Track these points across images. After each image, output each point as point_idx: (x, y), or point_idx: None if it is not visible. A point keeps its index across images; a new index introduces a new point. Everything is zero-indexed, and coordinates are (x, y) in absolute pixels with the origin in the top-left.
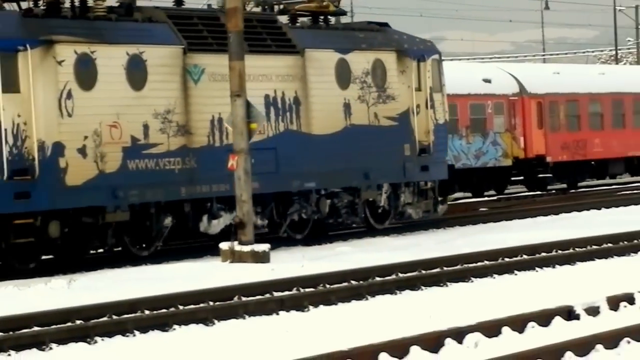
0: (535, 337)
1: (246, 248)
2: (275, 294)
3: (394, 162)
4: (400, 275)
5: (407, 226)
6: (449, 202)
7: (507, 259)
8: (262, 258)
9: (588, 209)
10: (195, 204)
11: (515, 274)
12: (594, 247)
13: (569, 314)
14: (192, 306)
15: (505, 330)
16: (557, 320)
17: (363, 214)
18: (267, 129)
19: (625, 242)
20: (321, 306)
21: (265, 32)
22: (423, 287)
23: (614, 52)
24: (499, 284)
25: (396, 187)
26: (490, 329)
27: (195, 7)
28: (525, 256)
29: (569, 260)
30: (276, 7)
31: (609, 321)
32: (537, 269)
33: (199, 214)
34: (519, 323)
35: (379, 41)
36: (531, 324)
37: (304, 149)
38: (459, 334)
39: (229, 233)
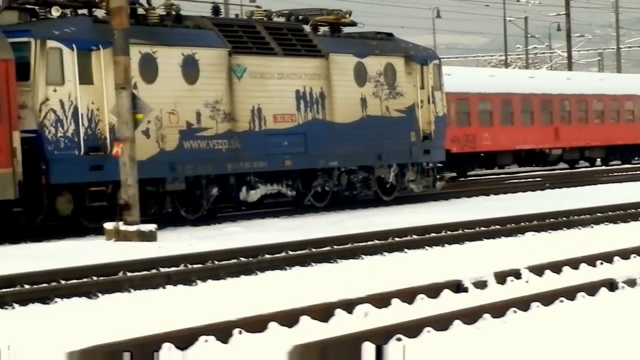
0: (425, 307)
1: (132, 228)
2: (162, 270)
3: (401, 146)
4: (290, 253)
5: (297, 209)
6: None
7: (397, 239)
8: (149, 237)
9: (477, 195)
10: (237, 177)
11: (406, 252)
12: (482, 228)
13: (457, 287)
14: (74, 281)
15: (395, 301)
16: (446, 292)
17: (375, 188)
18: (298, 118)
19: (512, 225)
20: (209, 281)
21: (295, 38)
22: (313, 264)
23: (503, 57)
24: (389, 260)
25: (402, 167)
26: (380, 300)
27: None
28: (415, 236)
29: (458, 240)
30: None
31: (496, 293)
32: (426, 247)
33: (240, 185)
34: (408, 295)
35: (390, 48)
36: (420, 295)
37: (328, 134)
38: (348, 305)
39: (261, 200)
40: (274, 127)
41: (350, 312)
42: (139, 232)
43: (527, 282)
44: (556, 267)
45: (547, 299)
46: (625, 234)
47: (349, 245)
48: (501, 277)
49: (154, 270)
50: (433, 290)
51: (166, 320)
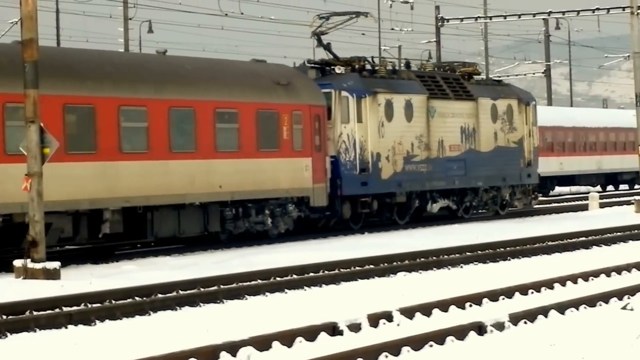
0: (303, 351)
1: (38, 265)
2: (65, 308)
3: (515, 170)
4: (181, 292)
5: (188, 247)
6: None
7: (278, 278)
8: (53, 275)
9: (354, 234)
10: (429, 193)
11: (286, 292)
12: (357, 268)
13: (333, 329)
14: None
15: (275, 344)
16: (323, 335)
17: (498, 204)
18: (461, 147)
19: (385, 264)
20: (107, 321)
21: (458, 86)
22: (201, 304)
23: None
24: (271, 301)
25: (514, 187)
26: (262, 343)
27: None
28: (295, 276)
29: (335, 280)
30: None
31: (369, 337)
32: (305, 287)
33: (428, 199)
34: (287, 338)
35: (507, 92)
36: (299, 338)
37: (477, 161)
38: (232, 348)
39: (445, 211)
40: (449, 155)
41: (234, 354)
42: (45, 269)
43: (398, 325)
44: (426, 309)
45: (417, 343)
46: (494, 274)
47: (234, 285)
48: (374, 320)
49: (57, 310)
50: (310, 333)
51: None
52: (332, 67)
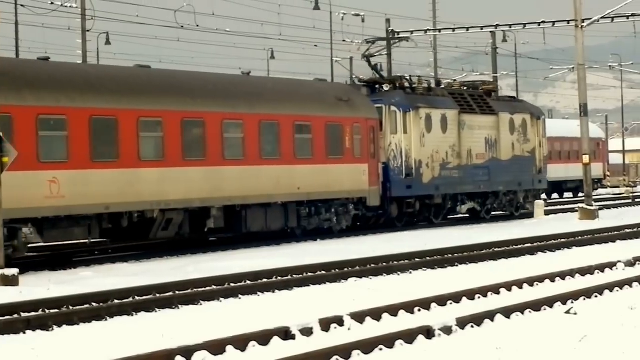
0: (256, 355)
1: None
2: (23, 314)
3: (529, 177)
4: (137, 298)
5: (145, 254)
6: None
7: (232, 284)
8: (12, 281)
9: (306, 240)
10: (459, 196)
11: (240, 298)
12: (310, 274)
13: (286, 334)
14: None
15: (229, 348)
16: (276, 339)
17: (514, 206)
18: (486, 156)
19: (337, 270)
20: (65, 326)
21: (482, 102)
22: (157, 309)
23: None
24: (225, 306)
25: (527, 191)
26: (216, 347)
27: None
28: (248, 282)
29: (287, 285)
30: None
31: (321, 340)
32: (259, 293)
33: (458, 201)
34: (241, 342)
35: (521, 107)
36: (252, 343)
37: (498, 168)
38: (187, 352)
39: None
40: (476, 162)
41: (189, 358)
42: (3, 276)
43: (349, 329)
44: (376, 313)
45: (367, 346)
46: (442, 280)
47: (189, 291)
48: (326, 324)
49: (15, 315)
50: (264, 337)
51: None
52: (379, 85)
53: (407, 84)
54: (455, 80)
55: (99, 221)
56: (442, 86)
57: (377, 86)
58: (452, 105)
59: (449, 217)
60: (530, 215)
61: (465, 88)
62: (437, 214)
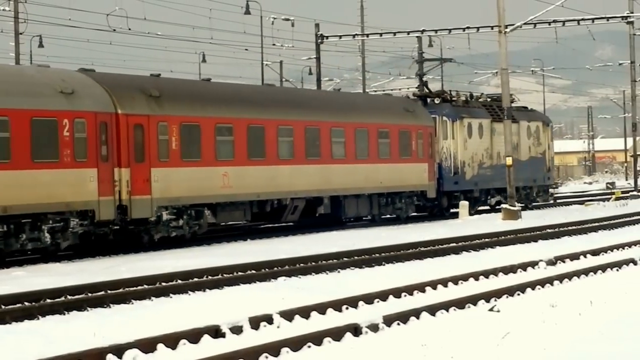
0: (187, 353)
1: None
2: None
3: (541, 174)
4: (69, 297)
5: (77, 253)
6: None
7: (164, 284)
8: None
9: (236, 240)
10: (491, 190)
11: (171, 297)
12: (240, 273)
13: (216, 332)
14: None
15: (160, 346)
16: (206, 337)
17: (529, 199)
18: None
19: (267, 269)
20: None
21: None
22: (89, 308)
23: None
24: (156, 305)
25: (539, 187)
26: (147, 345)
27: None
28: (179, 281)
29: (218, 284)
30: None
31: (250, 338)
32: (189, 292)
33: (489, 194)
34: (172, 340)
35: (534, 116)
36: (183, 341)
37: (519, 167)
38: (119, 350)
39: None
40: (502, 162)
41: (120, 356)
42: None
43: (278, 327)
44: (305, 312)
45: (296, 344)
46: (370, 279)
47: (121, 290)
48: (255, 322)
49: None
50: (194, 335)
51: None
52: (430, 98)
53: (448, 97)
54: (482, 93)
55: (251, 207)
56: (475, 99)
57: (428, 99)
58: (486, 115)
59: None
60: (542, 205)
61: (489, 99)
62: (475, 206)
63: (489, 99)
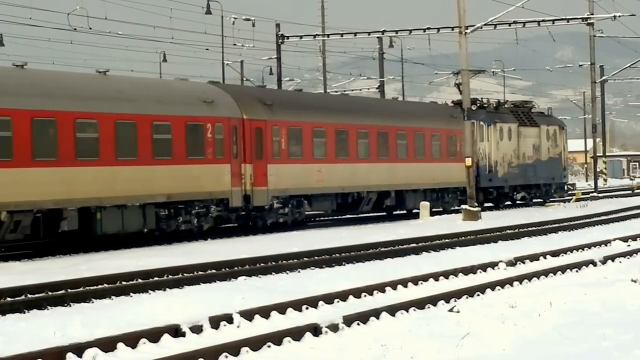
0: (147, 352)
1: None
2: None
3: (558, 173)
4: (29, 296)
5: (36, 252)
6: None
7: (124, 283)
8: None
9: (197, 239)
10: (517, 186)
11: (131, 296)
12: (200, 272)
13: (176, 331)
14: None
15: (120, 345)
16: (166, 337)
17: (548, 195)
18: (532, 158)
19: (227, 269)
20: None
21: (530, 117)
22: (49, 307)
23: None
24: (116, 304)
25: (557, 184)
26: (107, 344)
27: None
28: (140, 280)
29: (178, 284)
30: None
31: (210, 338)
32: (150, 291)
33: (516, 190)
34: (132, 339)
35: (551, 121)
36: (143, 340)
37: (539, 166)
38: (78, 349)
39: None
40: (527, 162)
41: (80, 355)
42: None
43: (238, 326)
44: (265, 311)
45: (256, 343)
46: (330, 279)
47: (81, 289)
48: (215, 322)
49: None
50: (154, 335)
51: None
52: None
53: (483, 104)
54: (507, 100)
55: (337, 198)
56: (502, 105)
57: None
58: (513, 120)
59: (500, 204)
60: (557, 201)
61: (513, 106)
62: (503, 200)
63: (512, 105)
